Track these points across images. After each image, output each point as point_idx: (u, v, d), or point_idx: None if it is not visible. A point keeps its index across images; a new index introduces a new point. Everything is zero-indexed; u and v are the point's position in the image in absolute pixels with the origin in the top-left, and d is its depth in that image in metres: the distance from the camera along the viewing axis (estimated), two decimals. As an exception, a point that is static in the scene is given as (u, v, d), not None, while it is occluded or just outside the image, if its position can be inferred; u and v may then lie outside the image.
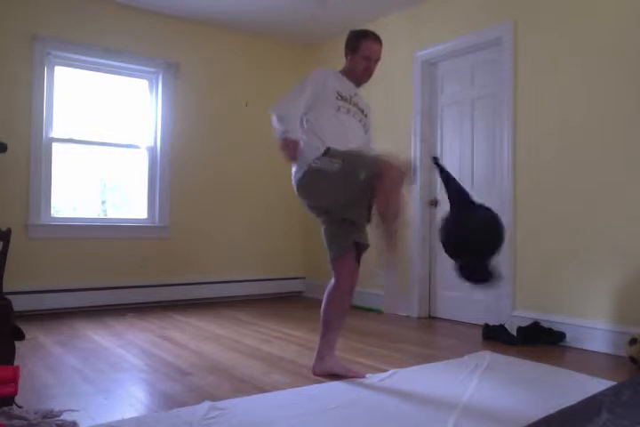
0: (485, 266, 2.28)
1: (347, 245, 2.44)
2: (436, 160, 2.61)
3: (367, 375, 2.41)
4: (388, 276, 2.35)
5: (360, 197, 2.39)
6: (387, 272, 2.34)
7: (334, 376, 2.40)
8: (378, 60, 2.67)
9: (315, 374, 2.45)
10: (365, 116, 2.67)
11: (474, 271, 2.30)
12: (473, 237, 2.30)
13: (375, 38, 2.64)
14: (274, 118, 2.43)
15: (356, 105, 2.61)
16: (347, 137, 2.50)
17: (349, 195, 2.38)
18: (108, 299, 4.24)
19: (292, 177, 2.52)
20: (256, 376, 2.43)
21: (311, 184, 2.45)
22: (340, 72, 2.69)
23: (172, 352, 2.88)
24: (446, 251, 2.39)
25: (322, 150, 2.42)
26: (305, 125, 2.51)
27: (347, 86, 2.63)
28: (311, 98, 2.49)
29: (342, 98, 2.55)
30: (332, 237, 2.50)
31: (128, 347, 2.99)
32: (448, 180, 2.45)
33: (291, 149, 2.37)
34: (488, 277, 2.29)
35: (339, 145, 2.44)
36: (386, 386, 2.28)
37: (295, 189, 2.52)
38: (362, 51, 2.60)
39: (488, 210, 2.39)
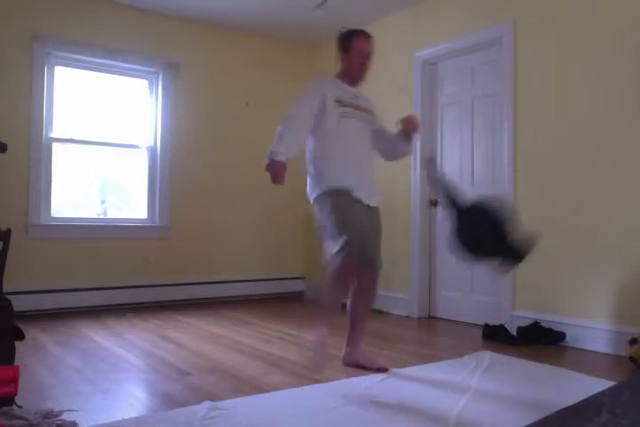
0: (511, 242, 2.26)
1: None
2: (432, 160, 2.63)
3: (392, 369, 2.51)
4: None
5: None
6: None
7: (360, 368, 2.53)
8: (371, 55, 2.73)
9: (344, 364, 2.59)
10: (370, 113, 2.75)
11: (519, 250, 2.27)
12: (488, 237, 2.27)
13: (365, 35, 2.72)
14: (276, 134, 2.49)
15: (357, 107, 2.67)
16: (349, 156, 2.58)
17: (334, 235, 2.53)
18: (108, 299, 4.24)
19: (307, 189, 2.65)
20: (256, 376, 2.43)
21: (318, 209, 2.58)
22: (336, 76, 2.74)
23: (172, 352, 2.88)
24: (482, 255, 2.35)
25: (328, 185, 2.52)
26: (313, 144, 2.62)
27: (344, 90, 2.68)
28: (313, 113, 2.55)
29: (342, 104, 2.60)
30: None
31: (128, 347, 2.99)
32: (443, 188, 2.44)
33: (276, 171, 2.39)
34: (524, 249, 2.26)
35: (341, 174, 2.54)
36: (386, 386, 2.28)
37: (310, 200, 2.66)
38: (355, 47, 2.68)
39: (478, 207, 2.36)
